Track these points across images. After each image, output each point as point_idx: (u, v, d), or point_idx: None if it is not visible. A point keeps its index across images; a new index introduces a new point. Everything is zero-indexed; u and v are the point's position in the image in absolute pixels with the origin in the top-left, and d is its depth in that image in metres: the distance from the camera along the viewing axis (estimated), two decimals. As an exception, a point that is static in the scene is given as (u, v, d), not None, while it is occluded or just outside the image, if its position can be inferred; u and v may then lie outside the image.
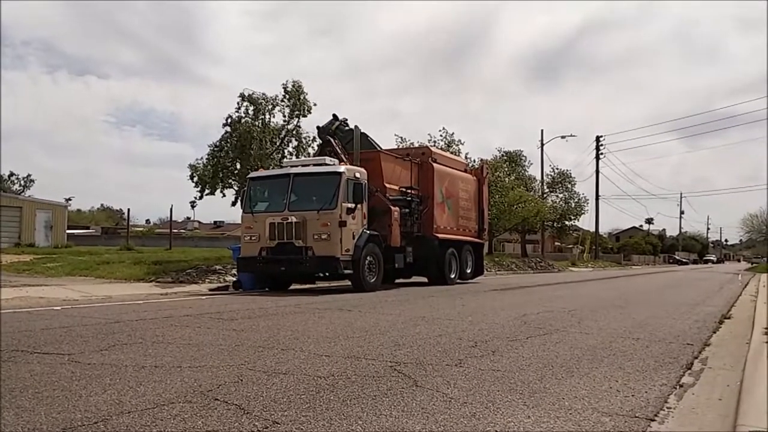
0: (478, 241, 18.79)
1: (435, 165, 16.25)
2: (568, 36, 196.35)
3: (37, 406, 3.25)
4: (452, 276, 16.56)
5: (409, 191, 15.26)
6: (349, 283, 13.22)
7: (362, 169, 13.63)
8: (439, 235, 16.02)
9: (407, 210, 15.01)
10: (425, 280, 16.36)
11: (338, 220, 12.40)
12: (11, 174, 63.52)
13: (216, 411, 3.20)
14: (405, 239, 14.83)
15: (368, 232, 13.27)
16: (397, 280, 16.17)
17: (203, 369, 4.29)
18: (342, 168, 13.06)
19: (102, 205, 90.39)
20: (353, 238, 12.79)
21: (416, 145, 26.44)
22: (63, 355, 4.78)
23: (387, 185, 14.51)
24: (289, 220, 12.47)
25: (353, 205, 12.76)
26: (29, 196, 48.46)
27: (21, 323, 6.76)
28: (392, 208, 14.21)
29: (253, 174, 14.65)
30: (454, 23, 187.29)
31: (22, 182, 64.06)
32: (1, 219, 29.25)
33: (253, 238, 12.95)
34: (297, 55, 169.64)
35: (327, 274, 13.19)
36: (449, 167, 17.39)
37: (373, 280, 13.26)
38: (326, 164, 13.49)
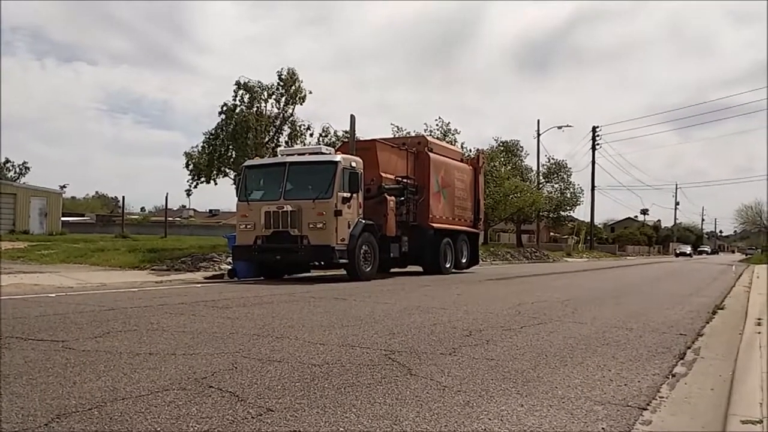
0: (473, 231, 18.79)
1: (431, 154, 16.20)
2: (559, 27, 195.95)
3: (31, 393, 3.25)
4: (447, 265, 16.58)
5: (404, 180, 15.23)
6: (344, 272, 13.23)
7: (358, 158, 13.58)
8: (435, 225, 16.01)
9: (403, 199, 14.99)
10: (420, 269, 16.37)
11: (334, 209, 12.37)
12: (6, 161, 63.15)
13: (210, 398, 3.21)
14: (400, 229, 14.82)
15: (364, 221, 13.24)
16: (393, 270, 16.19)
17: (198, 356, 4.29)
18: (338, 157, 13.02)
19: (97, 192, 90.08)
20: (348, 228, 12.77)
21: (412, 134, 26.40)
22: (58, 341, 4.78)
23: (383, 174, 14.47)
24: (285, 209, 12.44)
25: (349, 195, 12.71)
26: (24, 183, 48.21)
27: (16, 310, 6.74)
28: (388, 197, 14.19)
29: (248, 162, 14.58)
30: (445, 14, 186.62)
31: (17, 169, 63.71)
32: (-4, 206, 29.15)
33: (248, 226, 12.93)
34: (287, 45, 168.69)
35: (322, 263, 13.21)
36: (445, 157, 17.35)
37: (368, 269, 13.26)
38: (322, 153, 13.45)
